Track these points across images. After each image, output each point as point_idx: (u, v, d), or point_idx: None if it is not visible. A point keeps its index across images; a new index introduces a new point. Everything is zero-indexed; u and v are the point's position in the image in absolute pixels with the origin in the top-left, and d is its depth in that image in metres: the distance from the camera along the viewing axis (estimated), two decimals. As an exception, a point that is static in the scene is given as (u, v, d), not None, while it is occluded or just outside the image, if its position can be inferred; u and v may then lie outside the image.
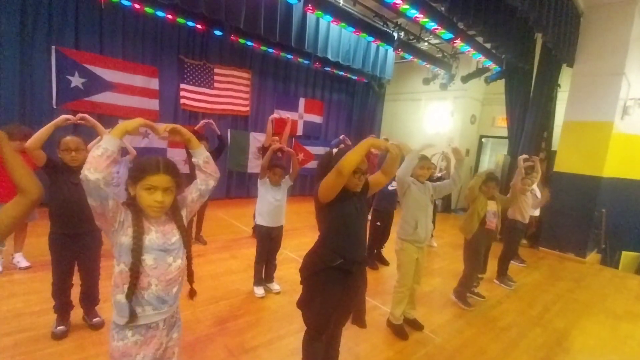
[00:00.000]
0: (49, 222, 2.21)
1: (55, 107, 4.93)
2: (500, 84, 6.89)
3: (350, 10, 5.64)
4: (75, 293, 2.34)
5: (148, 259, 1.19)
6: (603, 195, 5.60)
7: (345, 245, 1.72)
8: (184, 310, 2.10)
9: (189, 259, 1.34)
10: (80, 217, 2.17)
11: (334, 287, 1.72)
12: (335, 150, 1.84)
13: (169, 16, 5.52)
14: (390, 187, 3.99)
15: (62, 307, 2.27)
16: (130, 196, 1.23)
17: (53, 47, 4.82)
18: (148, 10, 5.30)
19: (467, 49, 5.60)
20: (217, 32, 6.12)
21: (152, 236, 1.21)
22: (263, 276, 3.21)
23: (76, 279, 2.32)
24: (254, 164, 7.18)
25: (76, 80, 5.08)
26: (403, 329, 2.74)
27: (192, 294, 1.40)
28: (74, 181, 2.15)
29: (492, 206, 3.26)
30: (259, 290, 3.13)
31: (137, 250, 1.17)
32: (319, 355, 1.89)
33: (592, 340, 3.03)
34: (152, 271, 1.20)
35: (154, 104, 5.95)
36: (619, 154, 5.72)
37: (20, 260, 3.17)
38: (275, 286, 3.23)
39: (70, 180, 2.16)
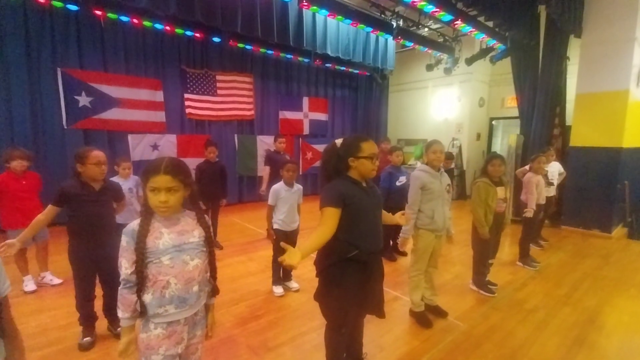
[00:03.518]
0: (68, 238, 2.26)
1: (65, 127, 5.06)
2: (507, 64, 6.71)
3: (345, 2, 5.58)
4: (98, 305, 2.38)
5: (164, 259, 1.23)
6: (625, 167, 5.39)
7: (359, 237, 1.69)
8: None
9: (211, 256, 1.36)
10: (101, 230, 2.23)
11: (350, 279, 1.69)
12: (338, 141, 1.80)
13: (168, 28, 5.60)
14: (398, 183, 3.92)
15: (87, 319, 2.32)
16: (146, 198, 1.27)
17: (59, 69, 4.94)
18: (147, 23, 5.39)
19: (469, 29, 5.46)
20: (216, 39, 6.17)
21: (165, 239, 1.24)
22: (281, 275, 3.21)
23: (98, 291, 2.36)
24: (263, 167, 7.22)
25: (84, 100, 5.20)
26: (426, 316, 2.69)
27: (214, 291, 1.42)
28: (92, 198, 2.21)
29: (501, 193, 3.13)
30: (278, 289, 3.13)
31: (140, 250, 1.21)
32: (341, 348, 1.87)
33: (626, 316, 2.90)
34: (170, 270, 1.23)
35: (160, 116, 6.04)
36: (637, 123, 5.50)
37: (52, 278, 3.24)
38: (293, 284, 3.23)
39: (89, 197, 2.21)
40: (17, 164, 2.99)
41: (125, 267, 1.22)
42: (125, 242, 1.23)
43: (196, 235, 1.31)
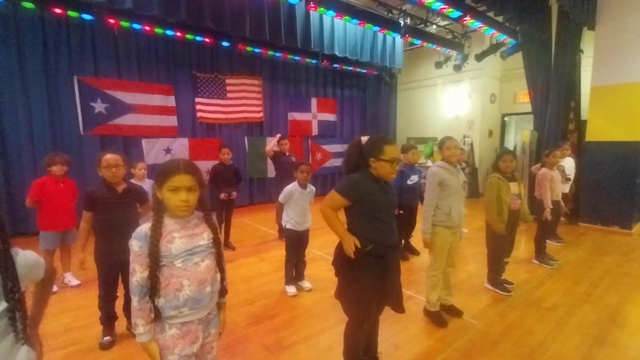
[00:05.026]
0: (94, 239, 2.33)
1: (82, 133, 5.21)
2: (518, 59, 6.60)
3: (352, 2, 5.59)
4: (118, 305, 2.44)
5: (177, 263, 1.24)
6: (644, 161, 5.23)
7: (375, 231, 1.72)
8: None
9: (219, 256, 1.36)
10: (124, 232, 2.25)
11: (368, 273, 1.71)
12: (364, 138, 1.82)
13: (178, 34, 5.72)
14: (409, 182, 3.89)
15: (108, 318, 2.38)
16: (157, 200, 1.27)
17: (75, 77, 5.09)
18: (158, 30, 5.51)
19: (478, 25, 5.40)
20: (225, 44, 6.26)
21: (177, 243, 1.24)
22: (294, 275, 3.22)
23: (119, 291, 2.42)
24: (273, 169, 7.27)
25: (99, 106, 5.34)
26: (441, 315, 2.67)
27: (222, 292, 1.41)
28: (115, 201, 2.29)
29: (515, 189, 3.07)
30: (291, 289, 3.14)
31: (154, 255, 1.20)
32: (361, 345, 1.88)
33: (650, 314, 2.82)
34: (183, 272, 1.24)
35: (172, 121, 6.15)
36: (657, 115, 5.33)
37: (71, 279, 3.36)
38: (306, 284, 3.24)
39: (112, 200, 2.28)
40: (57, 168, 3.15)
41: (140, 271, 1.21)
42: (138, 246, 1.21)
43: (205, 237, 1.31)
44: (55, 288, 3.19)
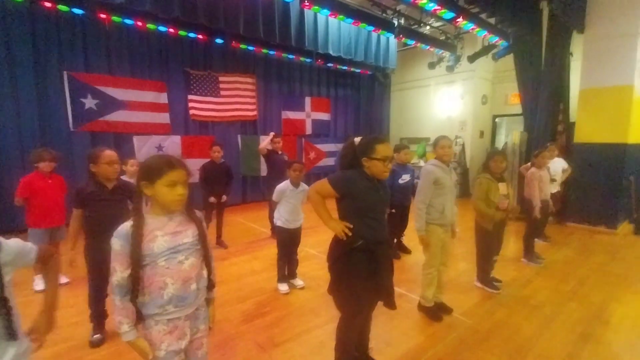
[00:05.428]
0: (85, 236, 2.31)
1: (72, 129, 5.13)
2: (510, 61, 6.69)
3: (347, 1, 5.60)
4: (108, 303, 2.41)
5: (160, 262, 1.22)
6: (630, 162, 5.35)
7: (365, 228, 1.74)
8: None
9: (206, 252, 1.35)
10: (114, 229, 2.24)
11: (358, 268, 1.74)
12: (357, 139, 1.84)
13: (171, 30, 5.66)
14: (400, 181, 3.93)
15: (98, 316, 2.37)
16: (139, 198, 1.25)
17: (65, 72, 5.01)
18: (150, 26, 5.45)
19: (471, 26, 5.46)
20: (219, 41, 6.22)
21: (160, 242, 1.22)
22: (286, 273, 3.23)
23: (109, 289, 2.40)
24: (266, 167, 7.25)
25: (89, 102, 5.26)
26: (436, 311, 2.72)
27: (209, 286, 1.40)
28: (106, 197, 2.27)
29: (503, 189, 3.12)
30: (283, 287, 3.15)
31: (136, 255, 1.19)
32: (353, 340, 1.90)
33: (633, 311, 2.90)
34: (166, 271, 1.22)
35: (164, 118, 6.09)
36: (643, 118, 5.47)
37: (60, 276, 3.30)
38: (298, 282, 3.25)
39: (103, 197, 2.26)
40: (45, 165, 3.09)
41: (120, 270, 1.18)
42: (120, 245, 1.19)
43: (190, 234, 1.29)
44: (43, 286, 3.14)
